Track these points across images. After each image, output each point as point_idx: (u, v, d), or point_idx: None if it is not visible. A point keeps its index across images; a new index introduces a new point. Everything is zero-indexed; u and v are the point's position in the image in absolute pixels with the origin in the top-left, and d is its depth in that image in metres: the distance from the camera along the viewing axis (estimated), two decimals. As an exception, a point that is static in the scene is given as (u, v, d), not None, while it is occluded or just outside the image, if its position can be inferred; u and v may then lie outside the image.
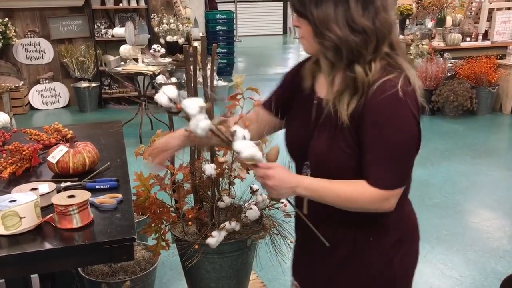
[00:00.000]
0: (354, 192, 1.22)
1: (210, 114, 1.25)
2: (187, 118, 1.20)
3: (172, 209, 2.20)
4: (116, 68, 5.53)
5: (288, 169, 1.26)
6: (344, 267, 1.37)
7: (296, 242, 1.55)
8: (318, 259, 1.41)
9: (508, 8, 6.82)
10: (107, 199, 1.59)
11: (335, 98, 1.24)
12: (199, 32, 7.84)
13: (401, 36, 8.47)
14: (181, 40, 7.16)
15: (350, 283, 1.38)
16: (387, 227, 1.34)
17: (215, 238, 2.01)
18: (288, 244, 2.21)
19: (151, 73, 5.36)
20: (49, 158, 1.81)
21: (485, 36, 6.88)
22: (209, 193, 2.17)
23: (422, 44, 6.61)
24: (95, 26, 7.06)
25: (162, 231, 2.14)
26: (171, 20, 7.05)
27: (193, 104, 1.19)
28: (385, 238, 1.35)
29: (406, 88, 1.17)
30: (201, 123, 1.18)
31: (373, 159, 1.20)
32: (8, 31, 6.56)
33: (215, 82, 4.05)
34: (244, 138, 1.21)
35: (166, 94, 1.19)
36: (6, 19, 6.59)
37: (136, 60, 5.70)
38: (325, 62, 1.24)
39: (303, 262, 1.50)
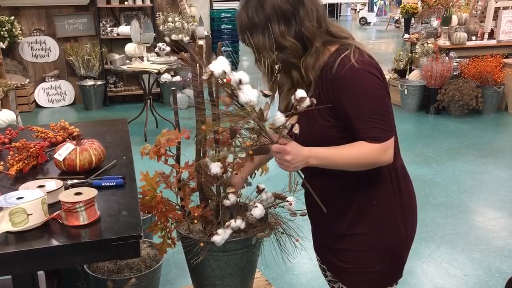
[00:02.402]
0: (359, 151, 1.39)
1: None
2: (231, 92, 1.33)
3: (177, 207, 2.20)
4: (122, 66, 5.54)
5: (297, 143, 1.39)
6: (354, 226, 1.54)
7: (311, 221, 1.76)
8: (329, 226, 1.61)
9: (514, 7, 6.80)
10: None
11: (284, 95, 1.51)
12: (204, 30, 7.84)
13: (406, 35, 8.45)
14: (186, 39, 7.17)
15: (360, 241, 1.55)
16: (387, 190, 1.52)
17: (220, 236, 2.01)
18: (293, 243, 2.21)
19: (156, 71, 5.37)
20: (56, 156, 1.81)
21: (491, 35, 6.85)
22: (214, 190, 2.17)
23: (428, 43, 6.59)
24: (101, 25, 7.08)
25: (168, 229, 2.14)
26: (176, 19, 7.06)
27: (243, 73, 1.33)
28: (387, 201, 1.52)
29: (362, 58, 1.37)
30: (252, 92, 1.33)
31: (362, 123, 1.37)
32: (14, 29, 6.59)
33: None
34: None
35: (220, 65, 1.31)
36: (12, 17, 6.62)
37: (141, 58, 5.72)
38: (264, 79, 1.48)
39: (318, 234, 1.73)
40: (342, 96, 1.38)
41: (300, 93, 1.31)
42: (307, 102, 1.32)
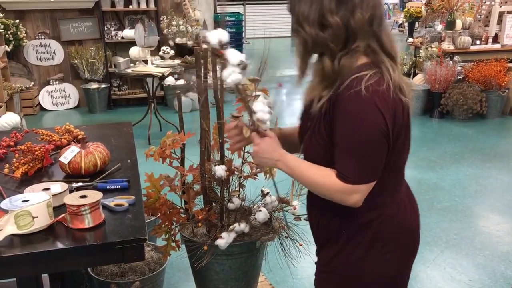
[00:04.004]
0: (323, 179, 1.29)
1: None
2: (223, 66, 1.25)
3: (181, 210, 2.21)
4: (126, 70, 5.56)
5: (278, 144, 1.36)
6: (326, 243, 1.46)
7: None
8: (315, 233, 1.53)
9: (519, 11, 6.78)
10: (120, 201, 1.60)
11: (309, 90, 1.37)
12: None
13: (410, 39, 8.44)
14: (190, 42, 7.19)
15: (325, 261, 1.48)
16: (358, 226, 1.38)
17: (224, 240, 2.02)
18: (297, 247, 2.21)
19: (160, 74, 5.39)
20: (61, 159, 1.82)
21: (495, 39, 6.83)
22: (219, 193, 2.18)
23: (432, 47, 6.58)
24: (105, 28, 7.10)
25: (173, 232, 2.14)
26: (180, 22, 7.07)
27: (236, 55, 1.23)
28: (356, 237, 1.38)
29: (376, 87, 1.21)
30: (234, 75, 1.23)
31: (340, 152, 1.26)
32: (19, 33, 6.62)
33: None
34: (264, 104, 1.30)
35: (218, 36, 1.23)
36: (17, 21, 6.64)
37: (145, 61, 5.74)
38: (296, 53, 1.35)
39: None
40: (336, 119, 1.26)
41: (257, 107, 1.26)
42: (266, 126, 1.26)
